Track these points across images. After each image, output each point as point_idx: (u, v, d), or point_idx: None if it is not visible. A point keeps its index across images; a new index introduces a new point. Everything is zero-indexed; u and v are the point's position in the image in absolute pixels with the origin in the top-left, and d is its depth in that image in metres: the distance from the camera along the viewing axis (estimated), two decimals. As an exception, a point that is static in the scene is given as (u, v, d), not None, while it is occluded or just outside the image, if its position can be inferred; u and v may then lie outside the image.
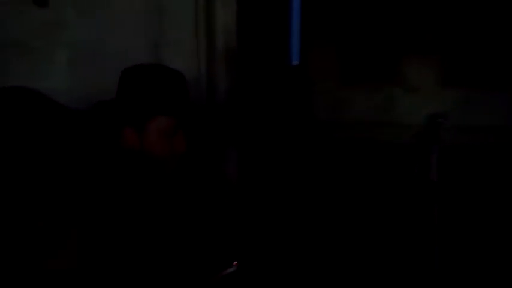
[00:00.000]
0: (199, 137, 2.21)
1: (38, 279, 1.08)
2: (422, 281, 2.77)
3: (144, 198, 1.26)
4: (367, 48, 7.28)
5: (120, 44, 2.30)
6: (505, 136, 6.14)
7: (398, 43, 7.15)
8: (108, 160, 1.19)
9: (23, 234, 1.09)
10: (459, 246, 3.11)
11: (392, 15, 7.21)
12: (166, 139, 1.25)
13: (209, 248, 1.55)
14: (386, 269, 3.01)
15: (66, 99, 2.34)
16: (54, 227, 1.10)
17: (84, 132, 1.23)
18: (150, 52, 2.26)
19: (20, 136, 1.16)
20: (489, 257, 3.11)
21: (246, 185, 2.51)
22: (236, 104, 2.31)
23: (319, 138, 6.81)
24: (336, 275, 2.95)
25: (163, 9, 2.21)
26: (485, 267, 2.98)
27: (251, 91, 3.17)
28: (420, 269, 2.88)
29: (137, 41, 2.29)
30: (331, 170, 5.54)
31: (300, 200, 4.33)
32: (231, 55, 2.25)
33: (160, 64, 1.34)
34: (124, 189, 1.20)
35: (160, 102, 1.22)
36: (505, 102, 6.59)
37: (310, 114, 7.42)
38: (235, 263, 1.40)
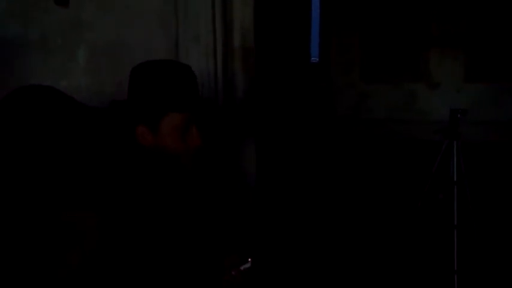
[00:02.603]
0: (216, 132, 2.21)
1: (52, 274, 1.09)
2: (441, 281, 2.75)
3: (160, 194, 1.26)
4: (389, 44, 7.23)
5: (139, 42, 2.32)
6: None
7: (420, 38, 7.08)
8: (124, 158, 1.20)
9: (40, 230, 1.10)
10: (479, 246, 3.07)
11: (414, 9, 7.13)
12: (180, 135, 1.24)
13: (224, 244, 1.55)
14: (404, 267, 2.98)
15: (86, 96, 2.39)
16: (71, 224, 1.11)
17: (100, 130, 1.23)
18: (169, 49, 2.27)
19: (38, 134, 1.17)
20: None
21: (264, 181, 2.50)
22: (254, 100, 2.30)
23: (339, 134, 6.79)
24: (355, 265, 2.94)
25: (180, 6, 2.22)
26: (508, 270, 2.93)
27: (270, 88, 3.17)
28: (439, 268, 2.85)
29: (156, 38, 2.30)
30: (351, 165, 5.53)
31: (318, 196, 4.32)
32: (248, 52, 2.24)
33: (169, 60, 1.31)
34: (140, 186, 1.21)
35: (170, 99, 1.21)
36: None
37: (330, 110, 7.40)
38: (250, 259, 1.39)
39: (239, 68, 2.25)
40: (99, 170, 1.16)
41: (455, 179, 2.83)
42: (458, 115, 2.85)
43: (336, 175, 5.14)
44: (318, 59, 7.98)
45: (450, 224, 2.76)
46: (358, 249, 3.25)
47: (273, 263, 2.79)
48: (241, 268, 1.39)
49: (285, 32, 4.17)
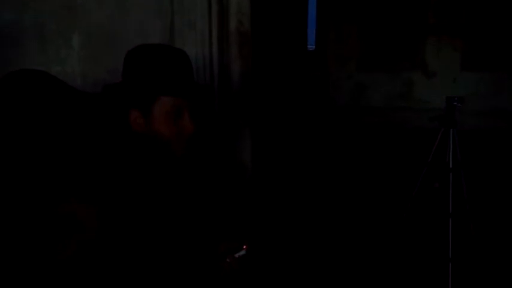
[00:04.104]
0: (211, 120, 2.20)
1: (48, 266, 1.09)
2: (436, 268, 2.76)
3: (154, 181, 1.25)
4: (386, 32, 7.21)
5: (135, 27, 2.30)
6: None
7: (417, 27, 7.06)
8: (117, 143, 1.19)
9: (38, 221, 1.09)
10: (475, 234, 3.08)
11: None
12: (171, 120, 1.22)
13: (220, 232, 1.55)
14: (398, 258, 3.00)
15: (81, 82, 2.37)
16: (70, 214, 1.10)
17: (94, 115, 1.22)
18: (165, 35, 2.25)
19: (31, 121, 1.16)
20: (508, 248, 3.07)
21: (259, 170, 2.50)
22: (250, 87, 2.29)
23: (336, 123, 6.79)
24: (349, 256, 2.95)
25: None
26: (502, 257, 2.95)
27: (266, 75, 3.15)
28: (434, 256, 2.86)
29: (151, 23, 2.28)
30: (348, 154, 5.53)
31: (314, 185, 4.33)
32: (245, 37, 2.22)
33: (164, 44, 1.30)
34: (134, 174, 1.19)
35: (162, 82, 1.20)
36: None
37: (327, 99, 7.38)
38: (245, 246, 1.39)
39: (235, 53, 2.23)
40: (94, 159, 1.15)
41: (450, 167, 2.83)
42: (455, 103, 2.85)
43: (333, 164, 5.14)
44: (314, 47, 7.95)
45: (445, 212, 2.77)
46: (353, 237, 3.26)
47: (268, 251, 2.80)
48: (236, 256, 1.39)
49: (282, 18, 4.14)
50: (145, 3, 2.27)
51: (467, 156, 3.06)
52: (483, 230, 3.19)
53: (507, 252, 2.98)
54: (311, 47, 7.79)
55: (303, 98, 5.80)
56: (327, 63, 7.53)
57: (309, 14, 6.73)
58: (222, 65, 2.22)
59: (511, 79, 6.72)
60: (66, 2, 2.36)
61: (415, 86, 7.23)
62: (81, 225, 1.10)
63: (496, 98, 6.70)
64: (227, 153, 2.31)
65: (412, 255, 2.98)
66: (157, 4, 2.25)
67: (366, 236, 3.27)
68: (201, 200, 1.55)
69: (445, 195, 2.80)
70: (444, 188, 2.84)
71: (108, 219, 1.13)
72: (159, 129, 1.23)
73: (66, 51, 2.40)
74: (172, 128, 1.24)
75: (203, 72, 2.16)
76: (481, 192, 3.75)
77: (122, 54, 1.29)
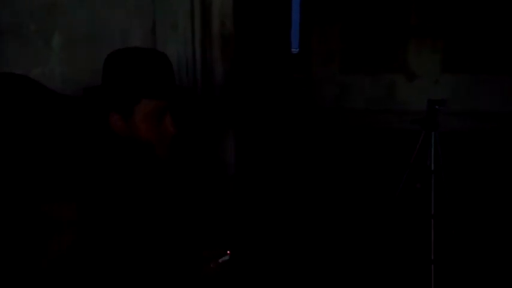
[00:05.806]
0: (195, 121, 2.18)
1: (37, 263, 1.08)
2: (418, 270, 2.78)
3: (136, 183, 1.24)
4: (369, 34, 7.25)
5: (116, 28, 2.27)
6: (507, 122, 6.14)
7: (399, 29, 7.11)
8: (98, 146, 1.18)
9: (19, 222, 1.08)
10: (456, 236, 3.11)
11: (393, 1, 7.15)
12: (153, 123, 1.23)
13: (204, 236, 1.54)
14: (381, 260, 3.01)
15: (62, 85, 2.33)
16: (50, 215, 1.09)
17: (74, 119, 1.21)
18: (146, 36, 2.23)
19: (12, 123, 1.14)
20: (490, 249, 3.10)
21: (243, 171, 2.49)
22: (234, 89, 2.28)
23: (319, 125, 6.81)
24: (333, 263, 2.96)
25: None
26: (484, 258, 2.98)
27: (249, 77, 3.14)
28: (417, 257, 2.88)
29: (133, 24, 2.25)
30: (331, 155, 5.55)
31: (297, 186, 4.33)
32: (227, 39, 2.21)
33: (144, 47, 1.30)
34: (114, 174, 1.18)
35: (142, 86, 1.20)
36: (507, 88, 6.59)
37: (310, 101, 7.40)
38: (229, 252, 1.38)
39: (218, 55, 2.22)
40: (74, 160, 1.14)
41: (432, 169, 2.85)
42: (436, 106, 2.86)
43: (316, 165, 5.15)
44: (298, 49, 7.98)
45: (427, 213, 2.79)
46: (336, 238, 3.26)
47: (252, 254, 2.79)
48: (220, 261, 1.38)
49: (265, 20, 4.14)
50: (127, 3, 2.24)
51: (448, 157, 3.09)
52: (465, 231, 3.22)
53: (489, 253, 3.01)
54: (295, 49, 7.81)
55: (287, 100, 5.81)
56: (311, 66, 7.55)
57: (292, 17, 6.74)
58: (205, 66, 2.21)
59: (493, 81, 6.81)
60: (45, 2, 2.33)
61: (397, 87, 7.28)
62: (62, 225, 1.09)
63: (478, 99, 6.78)
64: (211, 154, 2.30)
65: (395, 256, 2.99)
66: (139, 4, 2.23)
67: (349, 237, 3.28)
68: (184, 202, 1.54)
69: (427, 197, 2.82)
70: (426, 190, 2.86)
71: (89, 219, 1.12)
72: (142, 132, 1.22)
73: (46, 53, 2.36)
74: (154, 130, 1.24)
75: (186, 72, 2.15)
76: (463, 193, 3.78)
77: (104, 55, 1.28)
